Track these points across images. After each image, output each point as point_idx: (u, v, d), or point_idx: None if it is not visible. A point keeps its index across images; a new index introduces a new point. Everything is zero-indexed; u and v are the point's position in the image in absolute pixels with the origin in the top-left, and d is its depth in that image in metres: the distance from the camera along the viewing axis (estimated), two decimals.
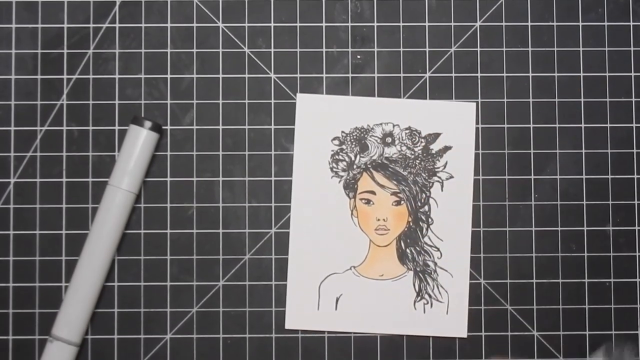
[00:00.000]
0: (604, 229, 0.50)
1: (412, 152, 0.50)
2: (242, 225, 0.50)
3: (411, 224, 0.50)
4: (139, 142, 0.48)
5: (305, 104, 0.51)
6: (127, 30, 0.51)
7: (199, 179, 0.50)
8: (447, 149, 0.50)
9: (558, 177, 0.50)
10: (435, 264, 0.50)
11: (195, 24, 0.51)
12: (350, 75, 0.51)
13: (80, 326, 0.48)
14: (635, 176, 0.50)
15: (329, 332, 0.50)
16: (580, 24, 0.51)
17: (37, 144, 0.50)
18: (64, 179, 0.50)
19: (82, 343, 0.48)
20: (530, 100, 0.51)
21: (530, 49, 0.51)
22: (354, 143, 0.50)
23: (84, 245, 0.48)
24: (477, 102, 0.51)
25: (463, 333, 0.50)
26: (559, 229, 0.50)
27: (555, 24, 0.51)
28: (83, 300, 0.48)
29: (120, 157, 0.49)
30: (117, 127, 0.50)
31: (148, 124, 0.48)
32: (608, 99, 0.51)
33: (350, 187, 0.50)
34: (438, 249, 0.50)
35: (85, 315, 0.48)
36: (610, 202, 0.50)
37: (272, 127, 0.50)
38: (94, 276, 0.48)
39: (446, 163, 0.50)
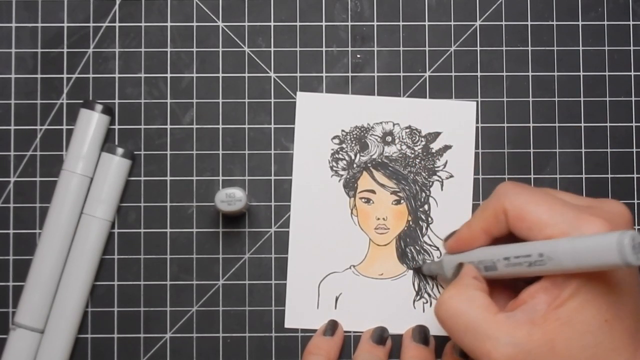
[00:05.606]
0: None
1: (412, 151, 0.50)
2: (241, 224, 0.50)
3: (411, 223, 0.50)
4: (90, 127, 0.49)
5: (305, 102, 0.51)
6: (127, 29, 0.51)
7: (198, 178, 0.50)
8: (447, 148, 0.50)
9: (558, 176, 0.50)
10: None
11: (195, 23, 0.51)
12: (350, 74, 0.51)
13: (42, 312, 0.48)
14: (635, 175, 0.50)
15: None
16: (580, 23, 0.51)
17: (37, 143, 0.50)
18: None
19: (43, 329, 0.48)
20: (530, 99, 0.51)
21: (530, 48, 0.51)
22: (354, 142, 0.50)
23: (42, 228, 0.49)
24: (477, 101, 0.51)
25: None
26: None
27: (555, 23, 0.51)
28: (43, 285, 0.48)
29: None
30: (117, 126, 0.50)
31: (99, 107, 0.49)
32: (608, 98, 0.51)
33: (350, 186, 0.50)
34: (438, 248, 0.50)
35: (47, 301, 0.48)
36: None
37: (272, 126, 0.50)
38: (53, 258, 0.48)
39: (446, 162, 0.50)
